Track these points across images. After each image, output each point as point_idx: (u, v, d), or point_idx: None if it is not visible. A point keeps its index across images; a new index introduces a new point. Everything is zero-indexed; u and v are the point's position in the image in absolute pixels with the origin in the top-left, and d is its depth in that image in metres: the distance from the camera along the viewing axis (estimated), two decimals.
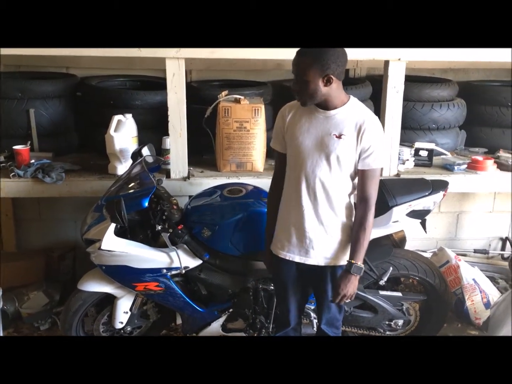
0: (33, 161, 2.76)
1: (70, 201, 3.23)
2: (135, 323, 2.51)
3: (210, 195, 2.46)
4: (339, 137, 1.85)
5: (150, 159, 2.50)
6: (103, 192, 2.46)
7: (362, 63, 3.60)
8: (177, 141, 2.74)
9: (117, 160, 2.77)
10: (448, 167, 3.04)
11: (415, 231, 2.63)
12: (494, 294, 2.94)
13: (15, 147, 2.77)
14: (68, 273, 3.22)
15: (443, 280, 2.62)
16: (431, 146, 3.11)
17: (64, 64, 3.35)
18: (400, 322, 2.59)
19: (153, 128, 3.02)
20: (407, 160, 3.03)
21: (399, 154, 2.97)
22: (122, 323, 2.45)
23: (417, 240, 3.42)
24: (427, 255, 3.26)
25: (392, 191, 2.30)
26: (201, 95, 3.08)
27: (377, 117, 1.91)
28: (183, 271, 2.28)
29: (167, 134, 2.77)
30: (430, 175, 2.89)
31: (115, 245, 2.22)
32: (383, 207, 2.25)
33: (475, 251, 3.54)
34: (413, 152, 3.06)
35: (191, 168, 2.86)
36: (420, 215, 2.39)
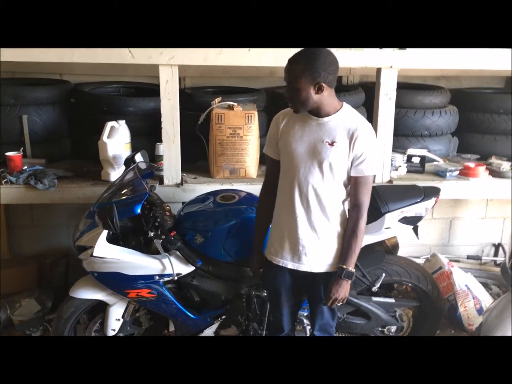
0: (25, 167, 2.75)
1: (63, 208, 3.22)
2: (127, 330, 2.49)
3: (203, 201, 2.46)
4: (331, 144, 1.86)
5: (143, 166, 2.49)
6: (95, 198, 2.46)
7: (355, 70, 3.62)
8: (170, 147, 2.74)
9: (110, 167, 2.77)
10: (440, 174, 3.05)
11: (408, 238, 2.63)
12: (487, 300, 2.95)
13: (7, 153, 2.76)
14: (61, 280, 3.20)
15: (435, 286, 2.63)
16: (424, 152, 3.13)
17: (58, 70, 3.36)
18: (393, 328, 2.59)
19: (146, 134, 3.03)
20: (400, 166, 3.04)
21: (392, 160, 2.99)
22: (114, 330, 2.44)
23: (411, 246, 3.43)
24: (420, 261, 3.28)
25: (385, 198, 2.31)
26: (194, 102, 3.09)
27: (370, 124, 1.92)
28: (176, 278, 2.27)
29: (161, 141, 2.77)
30: (423, 181, 2.91)
31: (107, 252, 2.21)
32: (375, 214, 2.26)
33: (468, 257, 3.56)
34: (405, 158, 3.08)
35: (184, 175, 2.86)
36: (412, 221, 2.40)
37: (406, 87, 3.34)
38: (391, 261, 2.53)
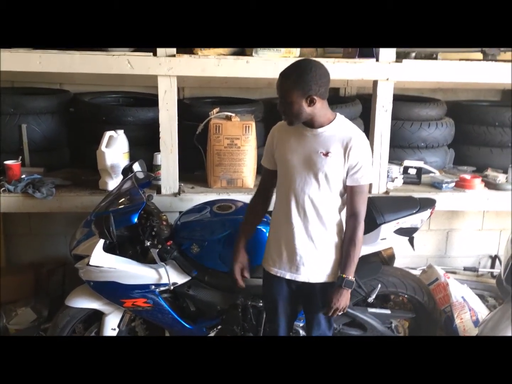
0: (24, 176, 2.77)
1: (61, 217, 3.23)
2: None
3: (200, 211, 2.47)
4: (326, 154, 1.88)
5: (140, 175, 2.51)
6: (93, 207, 2.46)
7: (352, 82, 3.65)
8: (168, 157, 2.75)
9: (108, 176, 2.78)
10: (436, 185, 3.07)
11: (405, 249, 2.64)
12: (483, 312, 2.94)
13: (6, 162, 2.77)
14: (58, 289, 3.19)
15: (431, 298, 2.63)
16: (420, 164, 3.14)
17: (57, 80, 3.38)
18: None
19: (145, 144, 3.04)
20: (396, 178, 3.06)
21: (388, 172, 3.00)
22: None
23: (407, 257, 3.43)
24: (417, 272, 3.28)
25: (380, 209, 2.32)
26: (193, 112, 3.10)
27: (364, 134, 1.94)
28: (172, 287, 2.27)
29: (159, 150, 2.79)
30: (419, 193, 2.92)
31: (103, 261, 2.22)
32: (371, 225, 2.27)
33: (465, 268, 3.56)
34: (402, 170, 3.09)
35: (182, 184, 2.87)
36: (408, 232, 2.41)
37: (403, 99, 3.37)
38: (387, 272, 2.53)
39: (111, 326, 2.41)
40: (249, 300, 2.36)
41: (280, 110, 1.91)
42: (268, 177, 2.11)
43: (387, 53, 2.78)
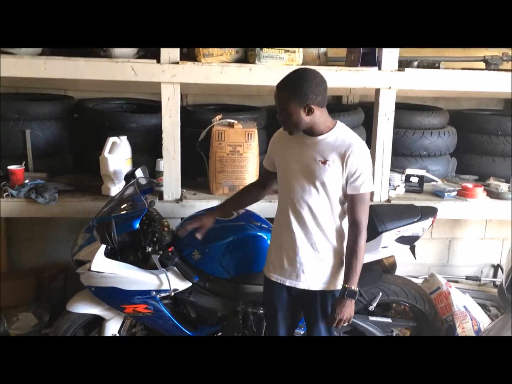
0: (27, 181, 2.78)
1: (63, 222, 3.24)
2: None
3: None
4: (324, 163, 1.88)
5: (143, 181, 2.52)
6: (95, 213, 2.47)
7: (355, 90, 3.67)
8: (170, 163, 2.77)
9: (111, 182, 2.80)
10: (438, 194, 3.07)
11: (407, 257, 2.64)
12: (485, 322, 2.93)
13: (10, 167, 2.79)
14: (59, 294, 3.20)
15: (433, 307, 2.62)
16: (422, 172, 3.14)
17: (62, 86, 3.40)
18: None
19: (148, 150, 3.06)
20: (398, 186, 3.06)
21: (390, 180, 3.00)
22: None
23: (409, 266, 3.42)
24: (419, 281, 3.27)
25: (382, 217, 2.32)
26: (196, 119, 3.12)
27: (363, 142, 1.93)
28: (173, 294, 2.27)
29: (161, 157, 2.80)
30: (421, 201, 2.92)
31: (104, 267, 2.22)
32: (372, 233, 2.26)
33: (467, 278, 3.55)
34: (404, 178, 3.09)
35: (184, 191, 2.88)
36: (409, 241, 2.41)
37: (405, 108, 3.38)
38: (388, 280, 2.52)
39: (112, 331, 2.41)
40: (249, 307, 2.36)
41: (279, 120, 1.92)
42: (266, 175, 2.20)
43: (390, 62, 2.79)
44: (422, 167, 3.26)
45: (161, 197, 2.82)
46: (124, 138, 2.83)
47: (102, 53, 2.70)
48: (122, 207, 2.33)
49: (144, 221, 2.31)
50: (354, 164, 1.86)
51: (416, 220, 2.37)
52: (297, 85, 1.81)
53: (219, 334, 2.41)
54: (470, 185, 3.07)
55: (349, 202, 1.93)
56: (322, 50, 2.93)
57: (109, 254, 2.26)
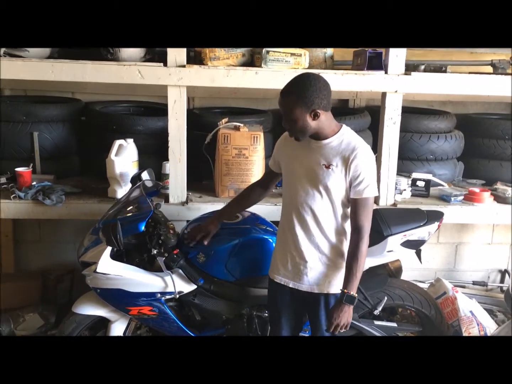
0: (34, 183, 2.80)
1: (70, 224, 3.26)
2: None
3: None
4: (328, 167, 1.88)
5: (149, 184, 2.53)
6: (102, 215, 2.49)
7: (362, 94, 3.66)
8: (176, 166, 2.78)
9: (117, 184, 2.81)
10: (445, 198, 3.05)
11: (413, 261, 2.63)
12: (491, 327, 2.91)
13: (17, 169, 2.81)
14: (65, 296, 3.22)
15: (439, 312, 2.61)
16: (428, 176, 3.13)
17: (70, 89, 3.43)
18: None
19: (154, 153, 3.07)
20: (404, 190, 3.04)
21: (396, 184, 2.99)
22: None
23: (416, 270, 3.41)
24: (425, 286, 3.25)
25: (387, 221, 2.31)
26: (202, 122, 3.14)
27: (368, 146, 1.93)
28: (177, 296, 2.27)
29: (168, 159, 2.81)
30: (427, 205, 2.90)
31: (110, 268, 2.23)
32: (377, 237, 2.26)
33: (474, 283, 3.53)
34: (410, 182, 3.08)
35: (190, 193, 2.89)
36: (415, 245, 2.40)
37: (412, 112, 3.37)
38: (394, 285, 2.51)
39: (117, 333, 2.42)
40: (254, 310, 2.36)
41: (285, 127, 1.93)
42: (270, 176, 2.22)
43: (396, 65, 2.79)
44: (429, 171, 3.25)
45: (167, 199, 2.84)
46: (130, 141, 2.85)
47: (109, 56, 2.73)
48: (128, 209, 2.34)
49: (150, 223, 2.32)
50: (357, 168, 1.86)
51: (422, 224, 2.36)
52: (302, 91, 1.81)
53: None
54: (477, 190, 3.06)
55: (352, 206, 1.92)
56: (329, 53, 2.93)
57: (114, 256, 2.26)
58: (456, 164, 3.43)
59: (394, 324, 2.55)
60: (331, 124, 1.90)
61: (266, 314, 2.34)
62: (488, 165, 3.41)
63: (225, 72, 2.69)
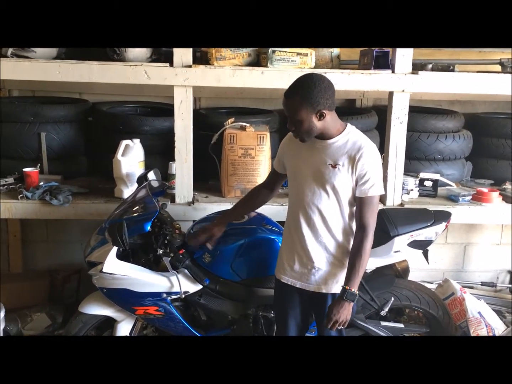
0: (41, 183, 2.82)
1: (77, 224, 3.28)
2: None
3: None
4: (334, 166, 1.88)
5: (155, 184, 2.53)
6: (108, 215, 2.49)
7: (369, 94, 3.65)
8: (182, 166, 2.78)
9: (124, 184, 2.82)
10: (452, 198, 3.03)
11: (421, 262, 2.61)
12: (499, 328, 2.88)
13: (25, 169, 2.83)
14: (72, 296, 3.23)
15: (446, 313, 2.59)
16: (436, 176, 3.11)
17: (77, 89, 3.45)
18: None
19: (160, 153, 3.08)
20: (412, 190, 3.03)
21: (404, 184, 2.97)
22: None
23: (423, 271, 3.39)
24: (433, 286, 3.23)
25: (394, 221, 2.29)
26: (208, 122, 3.14)
27: (373, 145, 1.92)
28: (183, 296, 2.27)
29: (174, 160, 2.81)
30: (434, 205, 2.88)
31: (116, 268, 2.23)
32: (384, 237, 2.25)
33: (482, 283, 3.50)
34: (417, 182, 3.06)
35: (196, 193, 2.89)
36: (422, 245, 2.38)
37: (420, 111, 3.35)
38: (401, 285, 2.50)
39: (123, 333, 2.42)
40: (260, 311, 2.35)
41: (290, 129, 1.92)
42: (275, 177, 2.20)
43: (403, 65, 2.77)
44: (437, 171, 3.22)
45: (173, 199, 2.84)
46: (137, 141, 2.85)
47: (115, 56, 2.74)
48: (134, 209, 2.35)
49: (156, 223, 2.32)
50: (364, 167, 1.86)
51: (429, 224, 2.34)
52: (307, 92, 1.80)
53: None
54: (485, 190, 3.03)
55: (357, 204, 1.92)
56: (335, 53, 2.92)
57: (121, 256, 2.27)
58: (464, 164, 3.40)
59: (401, 325, 2.53)
60: (336, 124, 1.90)
61: (272, 315, 2.34)
62: (496, 165, 3.38)
63: (231, 72, 2.68)
